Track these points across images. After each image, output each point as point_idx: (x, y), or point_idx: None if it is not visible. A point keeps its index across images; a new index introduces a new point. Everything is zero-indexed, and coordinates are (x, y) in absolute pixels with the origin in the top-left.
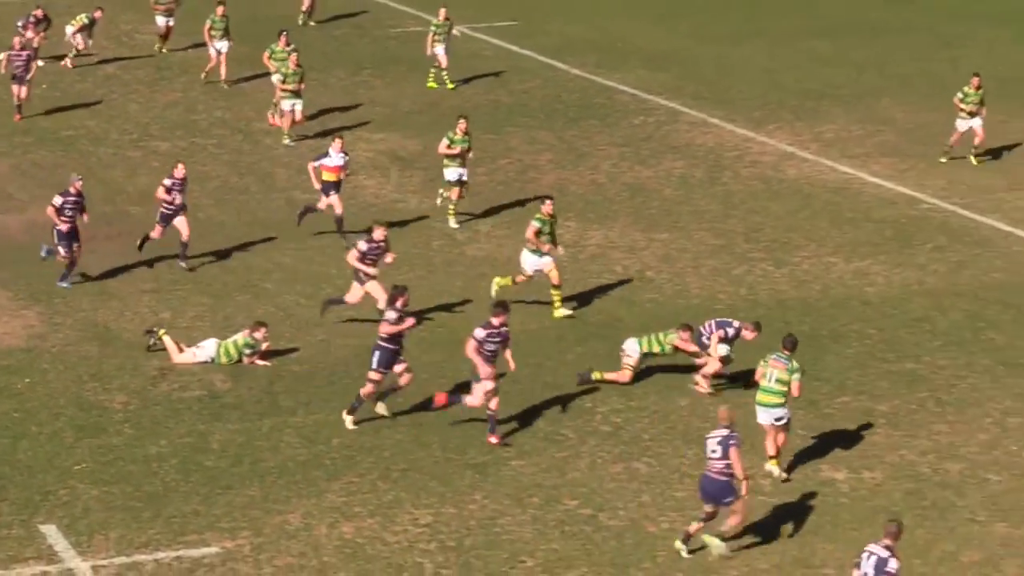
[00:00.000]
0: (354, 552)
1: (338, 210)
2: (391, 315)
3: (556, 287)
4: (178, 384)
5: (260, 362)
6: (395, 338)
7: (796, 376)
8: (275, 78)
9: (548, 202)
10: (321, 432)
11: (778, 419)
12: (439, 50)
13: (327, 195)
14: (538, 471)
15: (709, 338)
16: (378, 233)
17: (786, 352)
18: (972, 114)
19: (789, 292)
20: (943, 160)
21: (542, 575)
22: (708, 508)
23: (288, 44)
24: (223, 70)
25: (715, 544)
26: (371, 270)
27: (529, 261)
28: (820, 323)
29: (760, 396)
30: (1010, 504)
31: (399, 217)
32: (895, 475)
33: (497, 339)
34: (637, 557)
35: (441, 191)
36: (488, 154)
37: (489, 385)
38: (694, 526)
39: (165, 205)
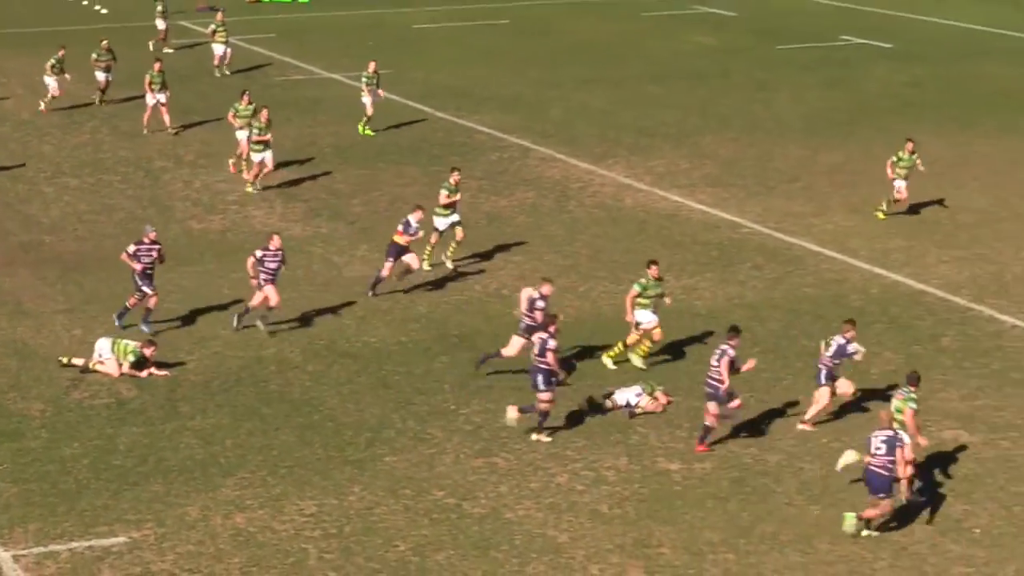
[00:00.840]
0: (247, 540)
1: (414, 265)
2: (552, 342)
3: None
4: (88, 393)
5: (158, 372)
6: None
7: (911, 405)
8: (240, 134)
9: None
10: (216, 434)
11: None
12: (366, 99)
13: (393, 259)
14: (409, 466)
15: None
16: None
17: (909, 386)
18: (904, 176)
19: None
20: (881, 216)
21: (413, 557)
22: (871, 499)
23: (250, 102)
24: (166, 119)
25: (854, 528)
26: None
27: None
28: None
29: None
30: (821, 489)
31: (284, 243)
32: (722, 465)
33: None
34: (496, 540)
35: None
36: (363, 187)
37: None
38: (872, 512)
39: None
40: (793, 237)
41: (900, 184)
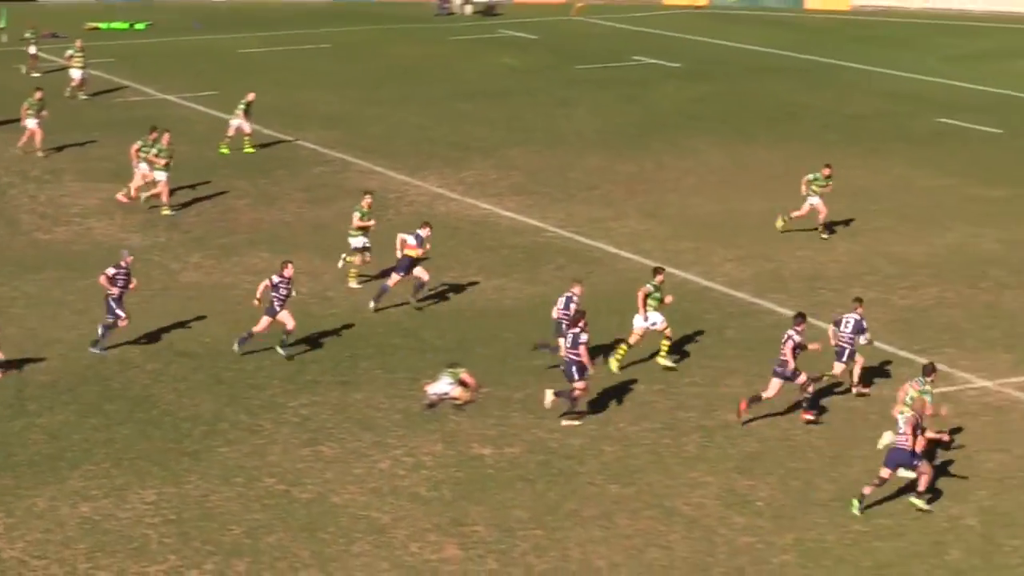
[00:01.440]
0: (92, 527)
1: (424, 277)
2: (584, 336)
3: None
4: None
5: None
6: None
7: (927, 397)
8: (143, 167)
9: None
10: (63, 430)
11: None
12: (234, 122)
13: (404, 272)
14: (241, 455)
15: None
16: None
17: (925, 376)
18: (818, 194)
19: (443, 305)
20: (779, 224)
21: (246, 540)
22: (884, 474)
23: (154, 133)
24: (38, 142)
25: (920, 503)
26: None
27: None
28: (468, 330)
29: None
30: (620, 469)
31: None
32: (530, 449)
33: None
34: (323, 523)
35: (344, 256)
36: (197, 199)
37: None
38: (868, 488)
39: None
40: (592, 240)
41: (815, 200)
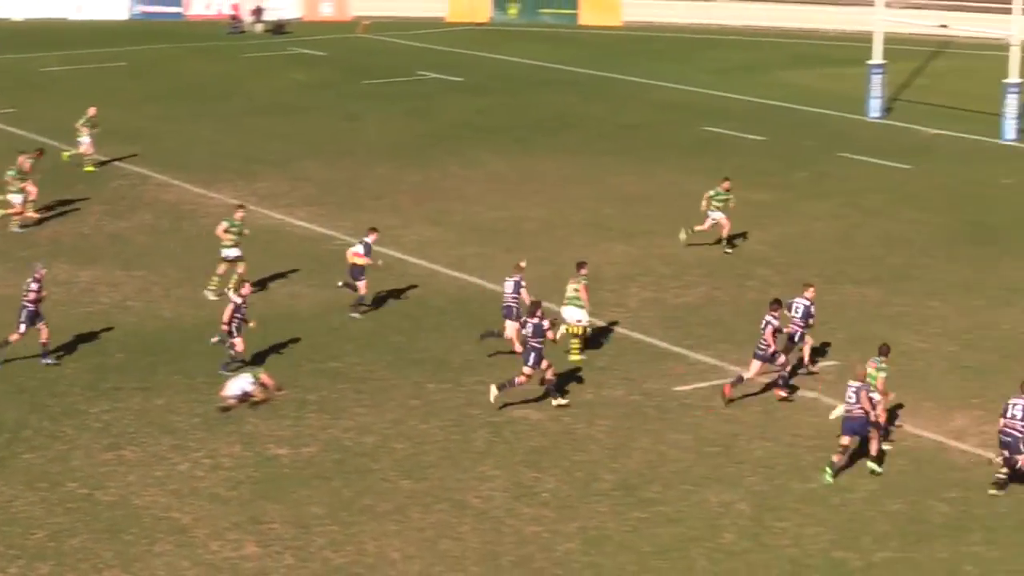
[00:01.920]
0: None
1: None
2: (545, 323)
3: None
4: None
5: None
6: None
7: (883, 374)
8: (13, 197)
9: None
10: None
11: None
12: (84, 140)
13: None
14: (45, 461)
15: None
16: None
17: (881, 356)
18: (720, 209)
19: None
20: (683, 237)
21: (50, 543)
22: (845, 441)
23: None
24: None
25: (875, 467)
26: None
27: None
28: (262, 334)
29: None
30: (412, 465)
31: None
32: (326, 448)
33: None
34: (126, 524)
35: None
36: None
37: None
38: (836, 457)
39: None
40: (381, 248)
41: (718, 215)
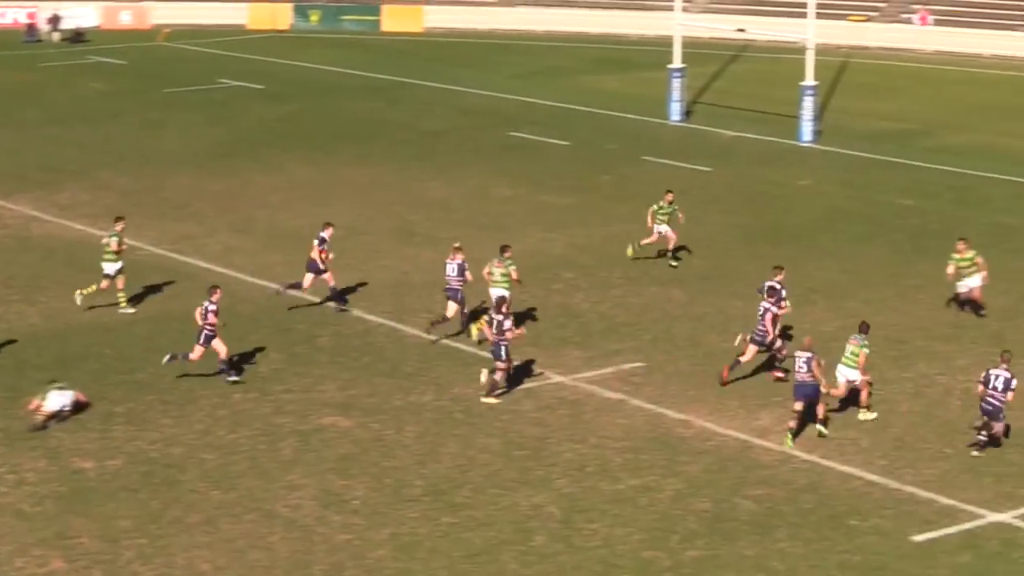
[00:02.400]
0: None
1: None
2: (508, 322)
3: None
4: None
5: None
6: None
7: (864, 350)
8: None
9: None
10: None
11: (849, 379)
12: None
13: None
14: None
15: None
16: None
17: (862, 334)
18: (665, 223)
19: (41, 324)
20: (630, 252)
21: None
22: (798, 407)
23: None
24: None
25: (823, 429)
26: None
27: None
28: (67, 347)
29: (842, 361)
30: (220, 476)
31: None
32: (132, 461)
33: None
34: None
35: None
36: None
37: None
38: (792, 423)
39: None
40: (186, 256)
41: (664, 228)
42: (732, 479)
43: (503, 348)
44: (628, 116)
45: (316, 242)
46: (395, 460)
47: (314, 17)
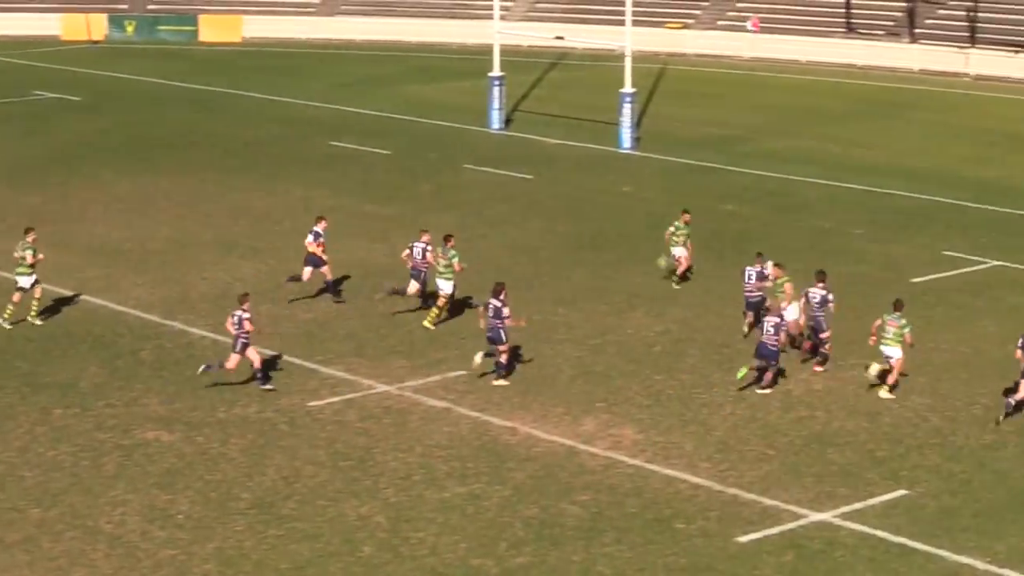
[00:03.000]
0: None
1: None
2: (506, 310)
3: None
4: None
5: None
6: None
7: (907, 329)
8: None
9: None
10: None
11: (893, 357)
12: None
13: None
14: None
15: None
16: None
17: (897, 312)
18: (681, 244)
19: None
20: (661, 264)
21: None
22: (756, 363)
23: None
24: None
25: (766, 392)
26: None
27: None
28: None
29: (883, 341)
30: (41, 493)
31: None
32: None
33: None
34: None
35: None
36: None
37: None
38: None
39: None
40: (4, 272)
41: (680, 251)
42: (558, 485)
43: (501, 332)
44: (449, 125)
45: (311, 237)
46: (220, 473)
47: (130, 28)
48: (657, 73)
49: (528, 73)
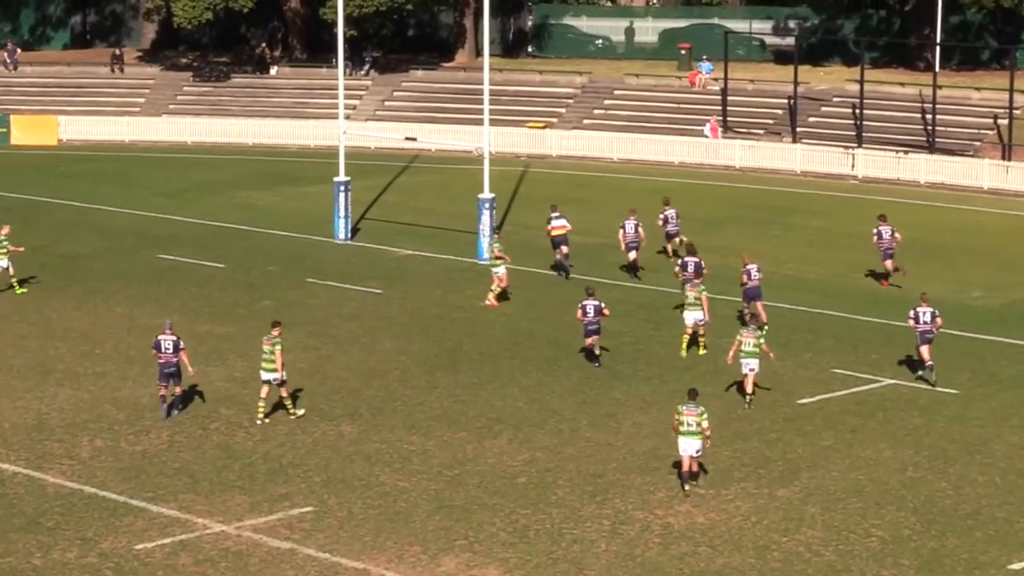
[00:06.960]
0: None
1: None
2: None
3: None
4: None
5: None
6: None
7: (762, 341)
8: None
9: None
10: None
11: (751, 368)
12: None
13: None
14: None
15: None
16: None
17: (754, 326)
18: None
19: None
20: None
21: None
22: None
23: None
24: None
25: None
26: None
27: None
28: None
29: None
30: None
31: None
32: None
33: None
34: None
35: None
36: None
37: None
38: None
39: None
40: None
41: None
42: None
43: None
44: (290, 234)
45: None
46: None
47: None
48: (519, 176)
49: (377, 177)
